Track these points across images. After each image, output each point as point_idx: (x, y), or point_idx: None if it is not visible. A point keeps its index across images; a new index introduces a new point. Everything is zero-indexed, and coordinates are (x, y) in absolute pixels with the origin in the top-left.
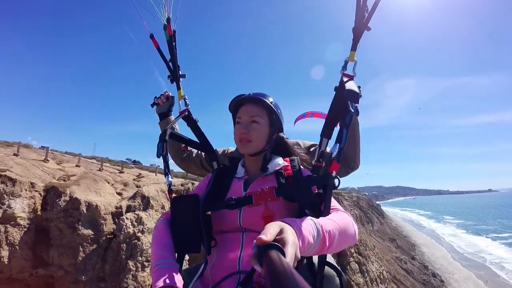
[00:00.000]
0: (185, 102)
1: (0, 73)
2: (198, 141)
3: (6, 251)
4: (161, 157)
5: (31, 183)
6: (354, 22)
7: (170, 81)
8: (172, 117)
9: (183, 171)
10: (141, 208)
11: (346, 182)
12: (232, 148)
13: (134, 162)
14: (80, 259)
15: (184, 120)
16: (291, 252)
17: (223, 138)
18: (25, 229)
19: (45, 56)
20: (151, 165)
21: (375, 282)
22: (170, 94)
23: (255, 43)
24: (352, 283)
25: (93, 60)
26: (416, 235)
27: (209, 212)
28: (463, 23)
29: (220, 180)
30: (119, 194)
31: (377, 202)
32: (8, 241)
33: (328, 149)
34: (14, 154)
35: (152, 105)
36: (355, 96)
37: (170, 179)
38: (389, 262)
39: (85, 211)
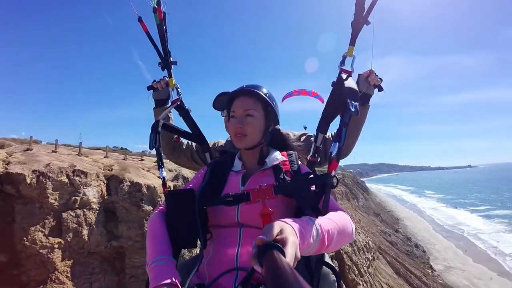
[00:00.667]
0: (177, 91)
1: None
2: (190, 131)
3: (85, 230)
4: (154, 149)
5: (97, 174)
6: (353, 16)
7: (161, 68)
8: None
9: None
10: None
11: None
12: (222, 140)
13: (122, 149)
14: (145, 230)
15: (176, 110)
16: (291, 252)
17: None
18: (97, 211)
19: (18, 41)
20: (142, 152)
21: (361, 251)
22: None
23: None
24: (341, 251)
25: (68, 46)
26: (400, 210)
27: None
28: (449, 2)
29: (217, 173)
30: (159, 177)
31: (362, 179)
32: (86, 222)
33: (328, 135)
34: (53, 151)
35: (149, 88)
36: (354, 94)
37: (163, 172)
38: (374, 234)
39: (146, 192)
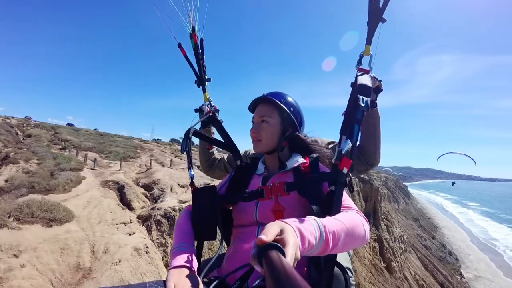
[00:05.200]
0: (210, 104)
1: (41, 53)
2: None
3: None
4: (185, 152)
5: None
6: (368, 15)
7: (197, 85)
8: (212, 129)
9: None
10: None
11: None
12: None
13: None
14: None
15: (210, 121)
16: (291, 252)
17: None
18: None
19: (85, 32)
20: None
21: (397, 240)
22: (217, 107)
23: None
24: (381, 237)
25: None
26: (440, 218)
27: (231, 207)
28: None
29: (241, 176)
30: None
31: (404, 183)
32: None
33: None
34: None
35: (197, 111)
36: (366, 90)
37: (192, 172)
38: (410, 236)
39: None
